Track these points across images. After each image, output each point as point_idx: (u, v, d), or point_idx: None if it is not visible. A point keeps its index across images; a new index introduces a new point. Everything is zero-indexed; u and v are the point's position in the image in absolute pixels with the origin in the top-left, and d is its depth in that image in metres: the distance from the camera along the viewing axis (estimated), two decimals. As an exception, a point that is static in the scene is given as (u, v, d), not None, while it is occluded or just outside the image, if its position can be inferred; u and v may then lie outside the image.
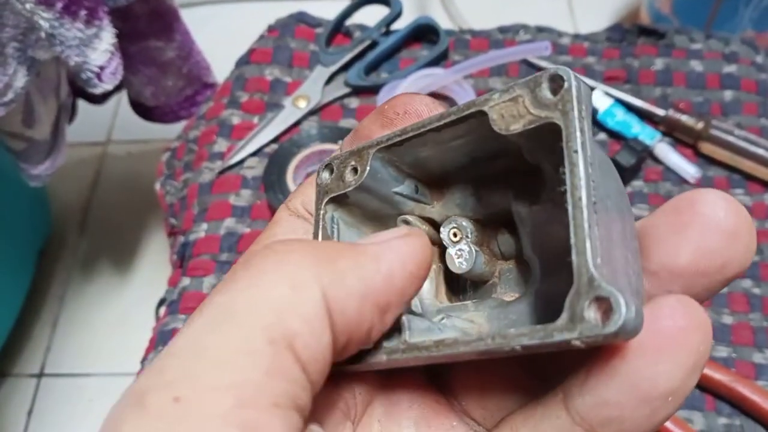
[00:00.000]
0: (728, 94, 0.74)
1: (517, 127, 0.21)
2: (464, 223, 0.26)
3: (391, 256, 0.21)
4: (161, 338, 0.64)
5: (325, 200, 0.25)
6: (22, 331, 1.24)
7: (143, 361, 0.70)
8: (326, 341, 0.20)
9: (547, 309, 0.24)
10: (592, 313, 0.18)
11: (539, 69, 0.76)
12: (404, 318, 0.23)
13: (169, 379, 0.18)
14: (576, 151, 0.19)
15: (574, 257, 0.19)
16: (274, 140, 0.73)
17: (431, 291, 0.28)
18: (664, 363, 0.19)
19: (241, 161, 0.72)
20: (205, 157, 0.73)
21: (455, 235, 0.26)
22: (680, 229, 0.21)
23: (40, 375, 1.24)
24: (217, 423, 0.17)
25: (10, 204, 1.10)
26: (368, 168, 0.24)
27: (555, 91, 0.20)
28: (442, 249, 0.27)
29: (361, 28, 0.81)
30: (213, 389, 0.18)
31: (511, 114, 0.21)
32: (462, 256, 0.26)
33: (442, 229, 0.27)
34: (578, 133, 0.19)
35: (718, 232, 0.21)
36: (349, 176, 0.25)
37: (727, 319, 0.62)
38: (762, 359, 0.60)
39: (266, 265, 0.20)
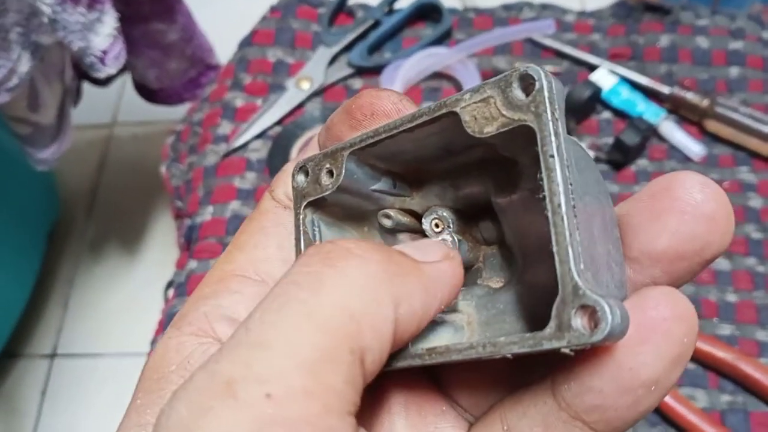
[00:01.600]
0: (734, 71, 0.74)
1: (490, 129, 0.21)
2: (445, 214, 0.26)
3: (445, 282, 0.22)
4: (169, 320, 0.64)
5: (303, 204, 0.25)
6: (34, 313, 1.26)
7: (153, 342, 0.71)
8: (384, 358, 0.20)
9: (532, 298, 0.24)
10: (579, 321, 0.18)
11: (544, 48, 0.76)
12: None
13: (259, 373, 0.18)
14: (552, 156, 0.19)
15: (557, 265, 0.19)
16: (278, 122, 0.73)
17: None
18: (647, 354, 0.19)
19: (246, 144, 0.72)
20: (209, 139, 0.73)
21: (437, 225, 0.26)
22: (658, 215, 0.21)
23: (53, 355, 1.26)
24: (308, 428, 0.17)
25: (18, 187, 1.11)
26: (344, 170, 0.24)
27: (527, 91, 0.20)
28: (424, 237, 0.28)
29: (364, 7, 0.81)
30: (304, 392, 0.18)
31: (483, 116, 0.21)
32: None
33: (423, 220, 0.27)
34: (553, 137, 0.19)
35: (695, 216, 0.20)
36: (325, 179, 0.25)
37: (731, 297, 0.62)
38: (765, 337, 0.60)
39: (349, 270, 0.20)
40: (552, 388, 0.21)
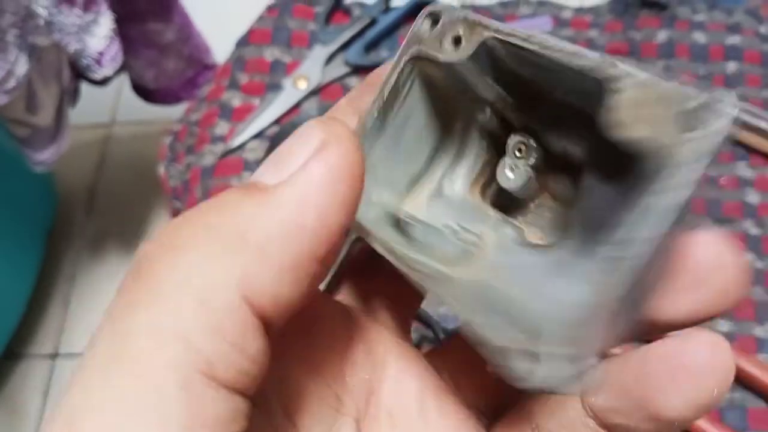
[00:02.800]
0: (732, 66, 0.73)
1: (643, 132, 0.18)
2: (534, 145, 0.23)
3: (314, 193, 0.17)
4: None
5: (412, 50, 0.22)
6: (35, 313, 1.27)
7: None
8: (258, 345, 0.17)
9: (555, 284, 0.21)
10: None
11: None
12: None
13: None
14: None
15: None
16: (275, 122, 0.73)
17: (468, 178, 0.25)
18: (676, 396, 0.18)
19: (243, 144, 0.72)
20: (206, 139, 0.73)
21: (520, 150, 0.24)
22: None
23: (55, 355, 1.26)
24: None
25: (17, 187, 1.11)
26: (475, 48, 0.20)
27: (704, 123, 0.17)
28: (496, 149, 0.25)
29: (360, 5, 0.81)
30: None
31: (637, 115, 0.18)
32: (515, 171, 0.23)
33: (511, 135, 0.24)
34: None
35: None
36: (447, 44, 0.21)
37: (729, 294, 0.62)
38: (763, 333, 0.60)
39: (162, 272, 0.17)
40: (581, 395, 0.21)
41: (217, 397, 0.16)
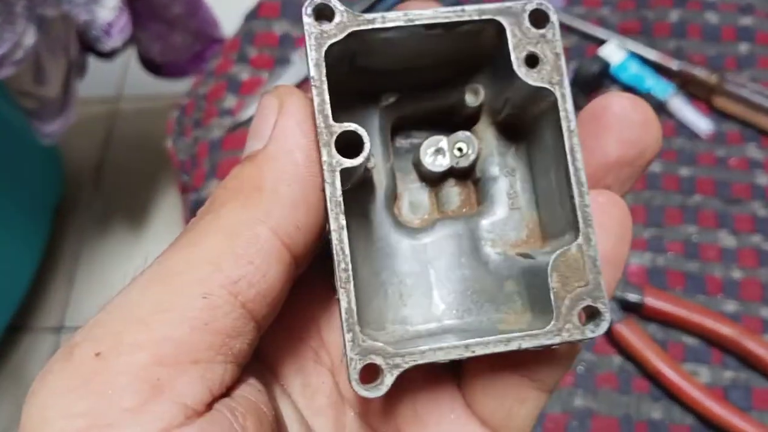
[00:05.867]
0: (743, 47, 0.73)
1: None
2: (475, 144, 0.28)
3: (291, 138, 0.23)
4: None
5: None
6: (41, 287, 1.27)
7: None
8: (279, 270, 0.21)
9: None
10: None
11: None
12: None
13: (95, 335, 0.20)
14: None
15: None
16: (284, 97, 0.73)
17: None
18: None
19: (251, 118, 0.71)
20: (214, 113, 0.73)
21: (460, 149, 0.28)
22: (605, 130, 0.25)
23: (60, 329, 1.27)
24: (128, 378, 0.18)
25: (24, 163, 1.11)
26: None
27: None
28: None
29: (371, -20, 0.80)
30: (131, 346, 0.19)
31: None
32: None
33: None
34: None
35: (633, 125, 0.24)
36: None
37: (737, 274, 0.62)
38: (770, 314, 0.60)
39: (201, 225, 0.21)
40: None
41: (232, 311, 0.20)
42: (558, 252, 0.23)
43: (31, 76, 0.79)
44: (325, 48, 0.23)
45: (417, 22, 0.24)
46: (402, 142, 0.29)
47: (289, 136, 0.23)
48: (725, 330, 0.58)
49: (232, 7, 0.90)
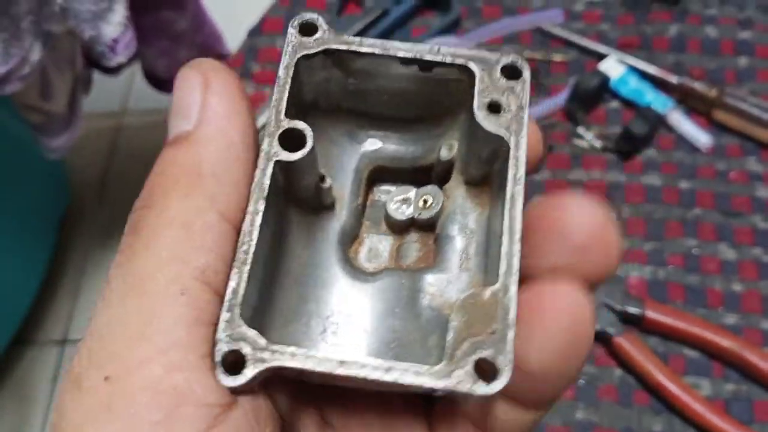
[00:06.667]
0: (743, 61, 0.73)
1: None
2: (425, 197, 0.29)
3: (224, 118, 0.22)
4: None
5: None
6: (45, 300, 1.28)
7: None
8: (230, 247, 0.21)
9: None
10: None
11: (553, 37, 0.76)
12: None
13: (95, 361, 0.19)
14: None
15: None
16: (287, 111, 0.73)
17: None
18: (540, 340, 0.21)
19: (255, 132, 0.72)
20: (218, 128, 0.74)
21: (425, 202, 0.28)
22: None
23: (64, 342, 1.27)
24: (148, 394, 0.18)
25: (29, 176, 1.12)
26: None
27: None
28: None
29: (373, -4, 0.81)
30: (139, 362, 0.19)
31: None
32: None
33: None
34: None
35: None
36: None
37: (737, 287, 0.62)
38: (770, 326, 0.60)
39: (152, 221, 0.21)
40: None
41: (212, 300, 0.20)
42: (469, 292, 0.23)
43: (37, 91, 0.80)
44: (298, 56, 0.24)
45: (392, 53, 0.25)
46: (380, 196, 0.29)
47: (222, 116, 0.22)
48: (726, 343, 0.58)
49: (236, 23, 0.91)
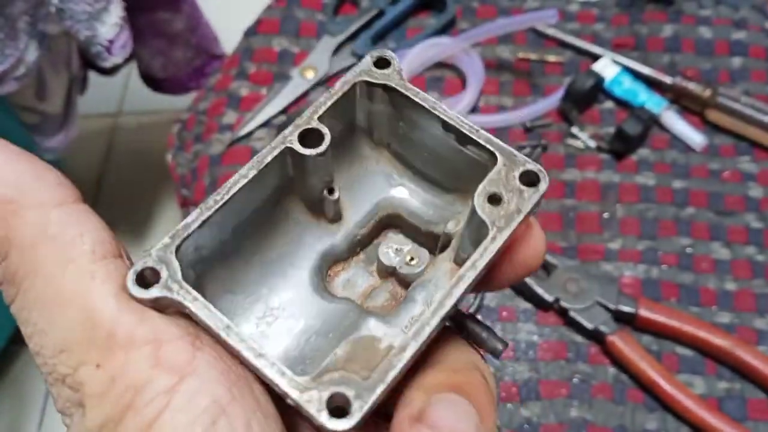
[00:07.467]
0: (736, 61, 0.74)
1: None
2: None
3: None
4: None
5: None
6: (41, 300, 1.27)
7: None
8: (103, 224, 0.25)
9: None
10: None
11: (547, 38, 0.76)
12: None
13: (108, 411, 0.20)
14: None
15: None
16: (283, 111, 0.74)
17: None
18: None
19: (250, 133, 0.72)
20: (214, 128, 0.74)
21: (412, 260, 0.29)
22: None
23: (60, 342, 1.27)
24: (187, 416, 0.19)
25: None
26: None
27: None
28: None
29: (368, -3, 0.81)
30: (151, 391, 0.19)
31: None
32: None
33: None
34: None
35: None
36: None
37: (730, 286, 0.62)
38: (763, 325, 0.61)
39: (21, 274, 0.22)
40: None
41: (119, 262, 0.22)
42: (371, 334, 0.23)
43: (33, 92, 0.80)
44: (360, 78, 0.27)
45: (436, 112, 0.26)
46: (386, 241, 0.30)
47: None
48: (719, 341, 0.58)
49: (232, 24, 0.91)
